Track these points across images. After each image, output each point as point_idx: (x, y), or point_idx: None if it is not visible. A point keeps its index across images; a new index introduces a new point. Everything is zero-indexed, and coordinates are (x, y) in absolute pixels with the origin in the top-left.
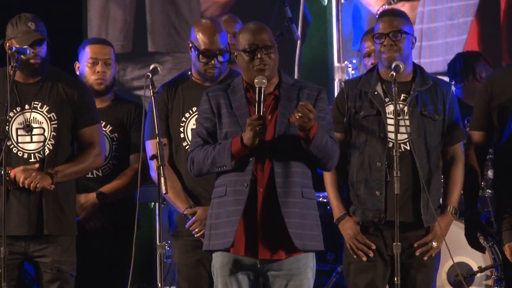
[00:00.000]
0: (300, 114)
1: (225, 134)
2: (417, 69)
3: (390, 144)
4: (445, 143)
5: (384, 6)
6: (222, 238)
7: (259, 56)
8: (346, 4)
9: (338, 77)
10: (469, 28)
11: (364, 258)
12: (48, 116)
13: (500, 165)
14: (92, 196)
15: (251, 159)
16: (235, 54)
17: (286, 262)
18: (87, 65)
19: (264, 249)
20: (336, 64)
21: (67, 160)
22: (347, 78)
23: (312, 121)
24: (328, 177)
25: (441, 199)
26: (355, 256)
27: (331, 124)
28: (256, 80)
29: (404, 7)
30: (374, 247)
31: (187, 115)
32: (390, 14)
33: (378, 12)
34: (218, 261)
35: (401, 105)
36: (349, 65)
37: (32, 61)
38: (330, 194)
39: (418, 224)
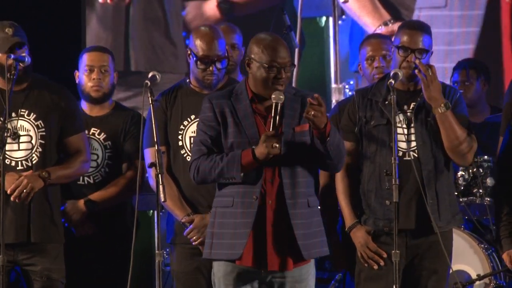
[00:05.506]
0: (312, 112)
1: (230, 144)
2: None
3: (400, 153)
4: None
5: (380, 27)
6: (227, 248)
7: (280, 76)
8: (343, 25)
9: (335, 98)
10: (470, 56)
11: (375, 267)
12: (36, 123)
13: (499, 173)
14: (80, 203)
15: (261, 171)
16: (247, 61)
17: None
18: (84, 73)
19: (273, 260)
20: (333, 85)
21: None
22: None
23: (325, 116)
24: (340, 185)
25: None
26: (366, 265)
27: (336, 131)
28: (273, 96)
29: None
30: (385, 255)
31: (185, 123)
32: (418, 29)
33: (403, 22)
34: (221, 269)
35: (409, 114)
36: (346, 86)
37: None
38: (342, 202)
39: (430, 230)
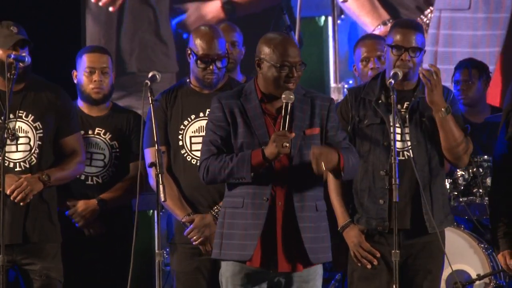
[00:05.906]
0: (322, 163)
1: (240, 144)
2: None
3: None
4: None
5: (379, 27)
6: (238, 249)
7: (292, 74)
8: (342, 24)
9: (334, 98)
10: (496, 59)
11: (369, 266)
12: (34, 125)
13: (495, 174)
14: (93, 202)
15: (271, 172)
16: (257, 61)
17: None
18: (84, 74)
19: (282, 261)
20: (332, 84)
21: (50, 168)
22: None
23: (334, 156)
24: (332, 185)
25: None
26: (359, 264)
27: (344, 132)
28: (283, 96)
29: None
30: (378, 255)
31: (185, 122)
32: (411, 27)
33: (395, 21)
34: (229, 269)
35: (403, 113)
36: (346, 86)
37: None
38: (335, 201)
39: (424, 230)
